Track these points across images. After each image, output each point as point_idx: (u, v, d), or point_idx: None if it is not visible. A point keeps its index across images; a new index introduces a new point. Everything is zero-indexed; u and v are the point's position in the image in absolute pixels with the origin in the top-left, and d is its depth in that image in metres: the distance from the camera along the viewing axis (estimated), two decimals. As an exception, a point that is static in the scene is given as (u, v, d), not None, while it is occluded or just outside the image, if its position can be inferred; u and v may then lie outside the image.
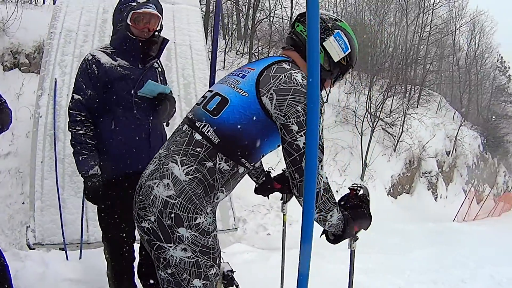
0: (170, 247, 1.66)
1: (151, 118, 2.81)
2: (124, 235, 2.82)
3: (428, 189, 20.11)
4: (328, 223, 1.74)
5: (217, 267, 1.78)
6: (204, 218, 1.70)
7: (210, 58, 3.36)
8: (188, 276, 1.69)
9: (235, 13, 19.58)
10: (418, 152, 19.70)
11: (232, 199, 5.85)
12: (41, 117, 5.15)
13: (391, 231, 11.15)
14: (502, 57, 37.13)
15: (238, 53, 16.77)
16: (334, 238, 1.88)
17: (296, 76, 1.68)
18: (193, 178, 1.67)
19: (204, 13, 17.52)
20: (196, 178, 1.67)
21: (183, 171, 1.67)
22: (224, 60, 14.67)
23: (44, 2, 14.17)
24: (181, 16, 6.87)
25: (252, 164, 1.82)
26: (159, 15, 2.79)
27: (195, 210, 1.67)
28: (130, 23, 2.67)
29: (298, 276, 1.39)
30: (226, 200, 5.70)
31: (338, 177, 14.30)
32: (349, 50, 1.86)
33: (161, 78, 3.01)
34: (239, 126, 1.68)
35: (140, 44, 2.73)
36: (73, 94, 2.70)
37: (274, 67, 1.73)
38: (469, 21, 33.09)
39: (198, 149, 1.69)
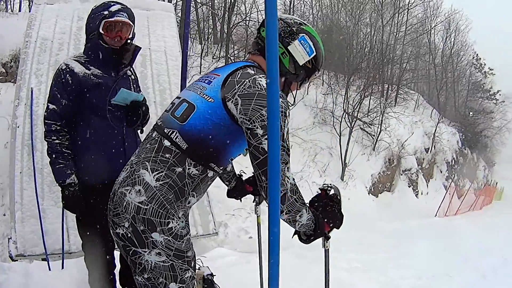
0: (145, 252, 1.71)
1: (125, 125, 2.88)
2: (103, 242, 2.85)
3: (409, 186, 20.34)
4: (298, 224, 1.79)
5: (192, 270, 1.85)
6: (177, 222, 1.76)
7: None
8: (164, 280, 1.74)
9: (211, 17, 19.61)
10: (397, 150, 19.93)
11: (211, 204, 5.89)
12: (18, 127, 5.13)
13: (373, 229, 11.28)
14: (477, 54, 37.96)
15: (214, 57, 16.79)
16: (306, 238, 1.94)
17: (260, 80, 1.73)
18: (163, 184, 1.72)
19: (180, 19, 17.58)
20: (166, 184, 1.72)
21: (153, 177, 1.72)
22: (201, 65, 14.71)
23: (20, 10, 14.00)
24: (156, 22, 6.88)
25: (221, 168, 1.89)
26: (131, 23, 2.83)
27: (167, 215, 1.72)
28: (102, 32, 2.72)
29: (269, 281, 1.43)
30: (205, 205, 5.73)
31: (318, 178, 14.37)
32: (314, 53, 1.93)
33: (135, 85, 3.06)
34: (206, 132, 1.74)
35: (113, 52, 2.78)
36: (48, 104, 2.74)
37: (238, 73, 1.77)
38: (444, 20, 33.89)
39: (167, 155, 1.74)
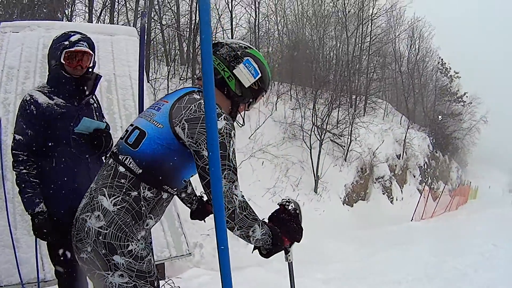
0: (108, 274, 1.77)
1: (89, 154, 2.93)
2: (76, 268, 2.81)
3: (383, 193, 20.63)
4: (253, 239, 1.86)
5: None
6: (136, 244, 1.81)
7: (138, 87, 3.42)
8: None
9: (177, 38, 19.78)
10: (369, 159, 20.25)
11: (183, 225, 5.93)
12: (-14, 157, 5.06)
13: (350, 238, 11.41)
14: (442, 59, 38.83)
15: (181, 78, 16.96)
16: (266, 252, 2.00)
17: None
18: (120, 208, 1.78)
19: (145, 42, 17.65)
20: (123, 208, 1.79)
21: (111, 202, 1.79)
22: (168, 87, 14.82)
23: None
24: (119, 47, 6.83)
25: (175, 190, 1.97)
26: (91, 52, 2.89)
27: (126, 237, 1.78)
28: (63, 62, 2.79)
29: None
30: (177, 227, 5.75)
31: (291, 192, 14.50)
32: (260, 75, 1.98)
33: (97, 113, 3.10)
34: (157, 156, 1.80)
35: (75, 81, 2.84)
36: (15, 135, 2.78)
37: (185, 98, 1.84)
38: (407, 28, 34.68)
39: (122, 180, 1.81)
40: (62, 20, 15.15)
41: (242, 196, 1.78)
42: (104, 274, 1.79)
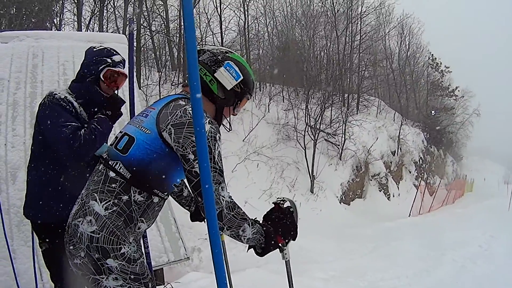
0: (103, 278, 1.81)
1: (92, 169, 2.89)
2: (71, 277, 2.83)
3: (380, 190, 20.72)
4: (244, 238, 1.89)
5: None
6: (128, 247, 1.85)
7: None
8: None
9: (167, 44, 19.75)
10: (364, 157, 20.29)
11: (180, 230, 5.92)
12: (-19, 169, 5.00)
13: (348, 237, 11.46)
14: (432, 54, 38.89)
15: (173, 84, 16.95)
16: (261, 251, 2.03)
17: (190, 110, 1.86)
18: (112, 212, 1.83)
19: (135, 48, 17.64)
20: (115, 212, 1.83)
21: (102, 206, 1.83)
22: (160, 93, 14.81)
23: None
24: None
25: (165, 194, 2.00)
26: (127, 75, 2.92)
27: (118, 241, 1.82)
28: (102, 78, 2.76)
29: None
30: (174, 232, 5.75)
31: (287, 193, 14.49)
32: (241, 78, 2.03)
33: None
34: (146, 161, 1.86)
35: (106, 101, 2.79)
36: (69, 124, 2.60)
37: (171, 105, 1.90)
38: (397, 25, 34.79)
39: (113, 185, 1.86)
40: (51, 30, 15.15)
41: (230, 197, 1.82)
42: (99, 278, 1.81)
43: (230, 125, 15.49)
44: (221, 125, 2.14)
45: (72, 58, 5.87)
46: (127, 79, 3.08)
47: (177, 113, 1.85)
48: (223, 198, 1.80)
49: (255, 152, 15.42)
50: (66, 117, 2.62)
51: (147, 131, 1.89)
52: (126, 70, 2.86)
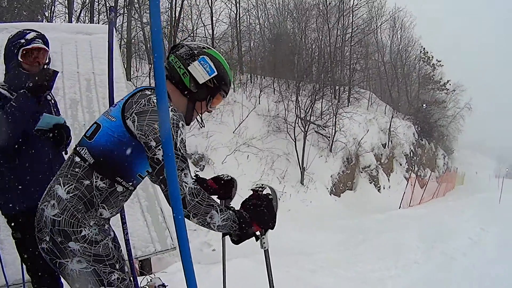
0: (67, 261, 1.84)
1: (50, 149, 2.92)
2: (43, 264, 2.82)
3: (370, 183, 20.77)
4: (214, 225, 1.80)
5: (119, 272, 1.92)
6: (89, 230, 1.86)
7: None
8: (92, 285, 1.85)
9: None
10: (355, 149, 20.30)
11: (167, 220, 5.88)
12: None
13: (338, 228, 11.42)
14: (424, 48, 38.93)
15: (163, 75, 16.78)
16: (237, 239, 1.95)
17: (154, 99, 1.85)
18: (73, 196, 1.86)
19: (125, 40, 17.48)
20: (76, 196, 1.86)
21: (64, 190, 1.87)
22: (150, 84, 14.62)
23: None
24: (98, 46, 6.80)
25: (130, 184, 2.01)
26: (47, 48, 2.93)
27: (79, 223, 1.84)
28: (21, 60, 2.80)
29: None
30: (160, 222, 5.73)
31: (277, 184, 14.48)
32: (216, 73, 2.02)
33: (55, 109, 3.12)
34: (109, 147, 1.89)
35: (33, 78, 2.79)
36: None
37: (137, 95, 1.92)
38: (389, 19, 34.87)
39: (76, 169, 1.90)
40: (42, 22, 15.06)
41: (193, 183, 1.77)
42: (64, 262, 1.85)
43: (202, 121, 15.33)
44: (194, 121, 2.18)
45: (60, 49, 5.90)
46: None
47: (141, 101, 1.87)
48: (186, 184, 1.74)
49: (245, 144, 15.38)
50: None
51: (112, 119, 1.93)
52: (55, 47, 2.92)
